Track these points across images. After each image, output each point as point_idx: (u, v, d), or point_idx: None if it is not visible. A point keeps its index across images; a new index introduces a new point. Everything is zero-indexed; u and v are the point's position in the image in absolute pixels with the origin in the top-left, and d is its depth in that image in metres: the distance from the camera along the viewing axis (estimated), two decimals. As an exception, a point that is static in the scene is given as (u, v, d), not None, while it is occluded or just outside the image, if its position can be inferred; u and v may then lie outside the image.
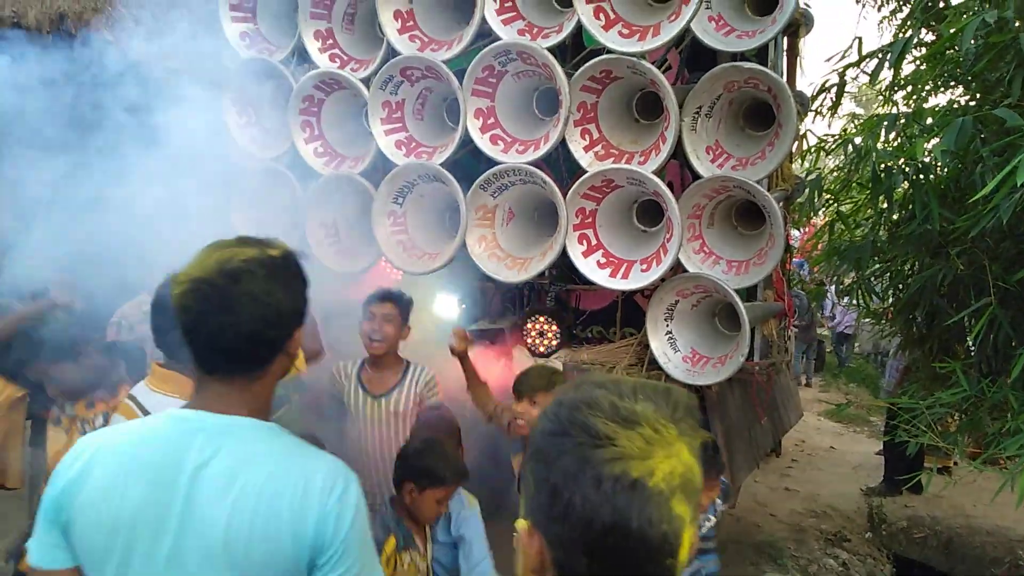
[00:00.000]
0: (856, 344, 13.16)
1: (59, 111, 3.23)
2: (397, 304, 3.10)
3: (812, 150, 4.28)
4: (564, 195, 3.22)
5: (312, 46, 3.64)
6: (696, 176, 3.28)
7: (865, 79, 3.76)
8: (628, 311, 4.04)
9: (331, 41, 3.68)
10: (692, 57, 3.79)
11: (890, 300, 4.16)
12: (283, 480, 1.15)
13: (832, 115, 4.05)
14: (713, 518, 2.95)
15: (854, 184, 4.23)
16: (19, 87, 3.42)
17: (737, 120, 3.46)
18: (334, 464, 1.23)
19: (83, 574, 1.16)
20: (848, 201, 4.50)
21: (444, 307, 4.27)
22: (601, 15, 3.05)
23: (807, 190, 3.93)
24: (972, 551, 5.24)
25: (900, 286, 3.95)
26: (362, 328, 3.11)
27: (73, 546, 1.15)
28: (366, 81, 3.55)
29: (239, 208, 3.83)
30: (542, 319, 3.94)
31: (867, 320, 5.06)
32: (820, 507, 5.94)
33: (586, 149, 3.27)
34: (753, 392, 4.27)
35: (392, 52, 3.48)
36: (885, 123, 3.38)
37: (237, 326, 1.19)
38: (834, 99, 3.83)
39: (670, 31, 2.93)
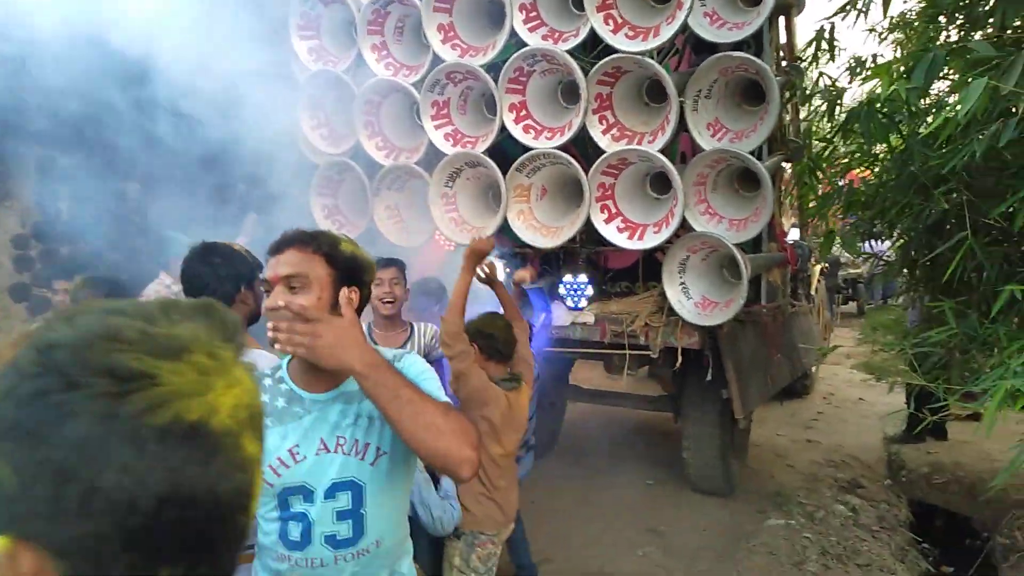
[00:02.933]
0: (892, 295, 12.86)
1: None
2: (400, 269, 3.32)
3: (819, 103, 4.44)
4: (587, 172, 3.86)
5: (370, 57, 4.33)
6: (699, 149, 3.88)
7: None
8: (651, 268, 4.66)
9: (385, 52, 4.36)
10: (697, 42, 4.33)
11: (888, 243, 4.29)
12: None
13: (817, 62, 4.08)
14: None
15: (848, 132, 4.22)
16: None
17: (734, 98, 4.03)
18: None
19: None
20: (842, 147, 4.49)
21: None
22: (610, 20, 3.65)
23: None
24: (996, 494, 4.81)
25: (893, 229, 3.97)
26: (373, 294, 3.25)
27: None
28: (417, 84, 4.22)
29: (319, 196, 4.60)
30: (575, 277, 4.59)
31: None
32: (840, 457, 5.84)
33: (604, 132, 3.89)
34: (765, 332, 4.87)
35: (437, 59, 4.14)
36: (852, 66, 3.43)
37: None
38: (819, 47, 3.81)
39: (668, 32, 3.52)
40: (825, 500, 4.89)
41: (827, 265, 9.49)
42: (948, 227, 3.37)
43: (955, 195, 3.02)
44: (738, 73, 3.86)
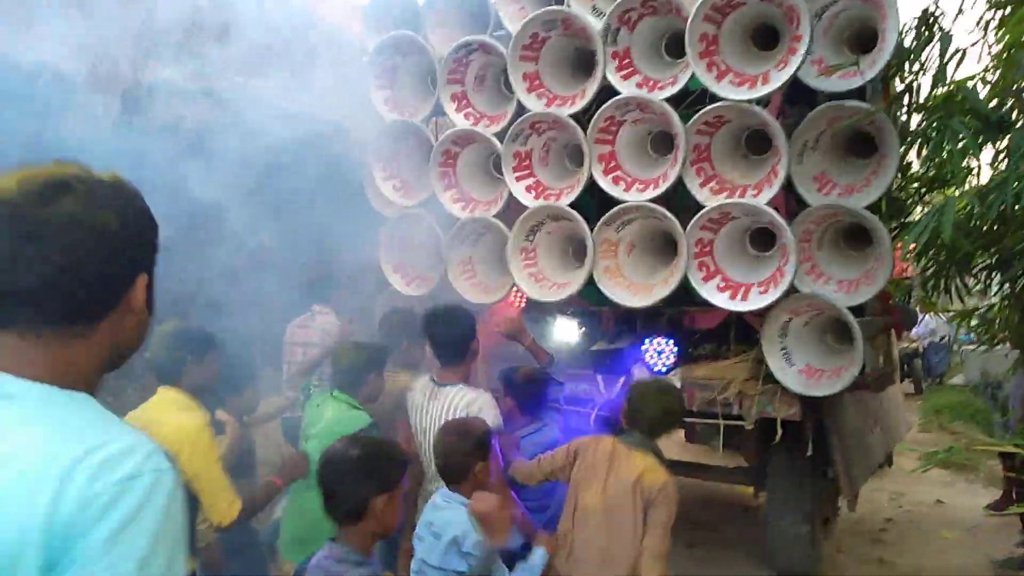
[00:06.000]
0: (960, 373, 10.08)
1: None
2: None
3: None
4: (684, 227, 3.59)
5: (449, 107, 4.17)
6: (804, 204, 3.59)
7: None
8: (740, 329, 4.33)
9: (465, 101, 4.20)
10: (790, 91, 4.10)
11: (994, 294, 3.57)
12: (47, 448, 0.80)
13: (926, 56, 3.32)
14: None
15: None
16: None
17: (840, 150, 3.75)
18: (141, 441, 0.84)
19: None
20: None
21: (564, 330, 4.67)
22: (713, 68, 3.43)
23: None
24: None
25: (1004, 273, 3.10)
26: None
27: None
28: (497, 135, 4.04)
29: (387, 250, 4.40)
30: (660, 339, 4.27)
31: (967, 339, 4.18)
32: (928, 589, 4.56)
33: (701, 185, 3.63)
34: (865, 402, 4.47)
35: (521, 107, 3.96)
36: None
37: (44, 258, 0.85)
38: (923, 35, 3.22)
39: (779, 79, 3.28)
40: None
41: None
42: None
43: None
44: (845, 123, 3.59)
